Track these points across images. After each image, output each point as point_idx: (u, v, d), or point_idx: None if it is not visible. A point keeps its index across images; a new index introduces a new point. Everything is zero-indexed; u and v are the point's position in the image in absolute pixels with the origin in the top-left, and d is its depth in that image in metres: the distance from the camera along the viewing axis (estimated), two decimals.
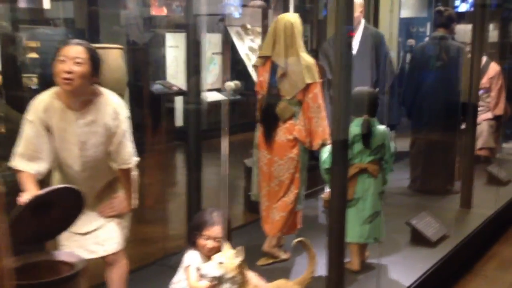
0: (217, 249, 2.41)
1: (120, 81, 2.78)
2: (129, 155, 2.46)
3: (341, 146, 2.34)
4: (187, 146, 3.24)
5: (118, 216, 2.54)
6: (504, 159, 6.45)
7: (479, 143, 5.86)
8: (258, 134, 3.42)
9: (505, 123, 6.52)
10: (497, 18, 8.97)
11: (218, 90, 5.88)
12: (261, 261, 3.38)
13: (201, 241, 2.54)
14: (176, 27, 8.44)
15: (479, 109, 5.93)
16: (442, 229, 3.78)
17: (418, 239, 3.66)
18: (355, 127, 3.18)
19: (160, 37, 8.22)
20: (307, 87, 3.29)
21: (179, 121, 8.66)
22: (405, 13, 9.86)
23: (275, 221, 3.35)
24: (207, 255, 2.47)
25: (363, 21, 4.21)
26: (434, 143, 4.79)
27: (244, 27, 5.35)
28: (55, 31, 4.04)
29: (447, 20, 4.74)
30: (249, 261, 2.41)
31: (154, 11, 8.19)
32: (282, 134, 3.31)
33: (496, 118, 5.87)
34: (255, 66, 3.43)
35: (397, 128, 6.34)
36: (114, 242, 2.50)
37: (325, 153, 3.19)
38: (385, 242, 3.34)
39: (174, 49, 8.61)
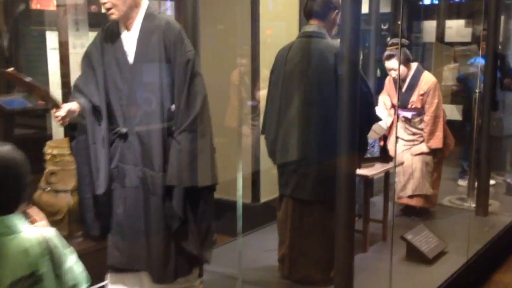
0: None
1: None
2: None
3: None
4: None
5: None
6: (454, 207, 4.60)
7: (409, 189, 4.03)
8: None
9: (453, 158, 4.67)
10: (467, 13, 7.29)
11: None
12: None
13: None
14: (52, 23, 6.75)
15: (409, 138, 4.12)
16: None
17: None
18: None
19: (36, 37, 6.55)
20: None
21: None
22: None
23: None
24: None
25: (145, 4, 2.42)
26: (307, 205, 2.97)
27: None
28: None
29: (322, 7, 2.91)
30: None
31: (39, 5, 6.49)
32: None
33: (434, 152, 4.03)
34: None
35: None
36: None
37: None
38: None
39: (57, 52, 6.89)
